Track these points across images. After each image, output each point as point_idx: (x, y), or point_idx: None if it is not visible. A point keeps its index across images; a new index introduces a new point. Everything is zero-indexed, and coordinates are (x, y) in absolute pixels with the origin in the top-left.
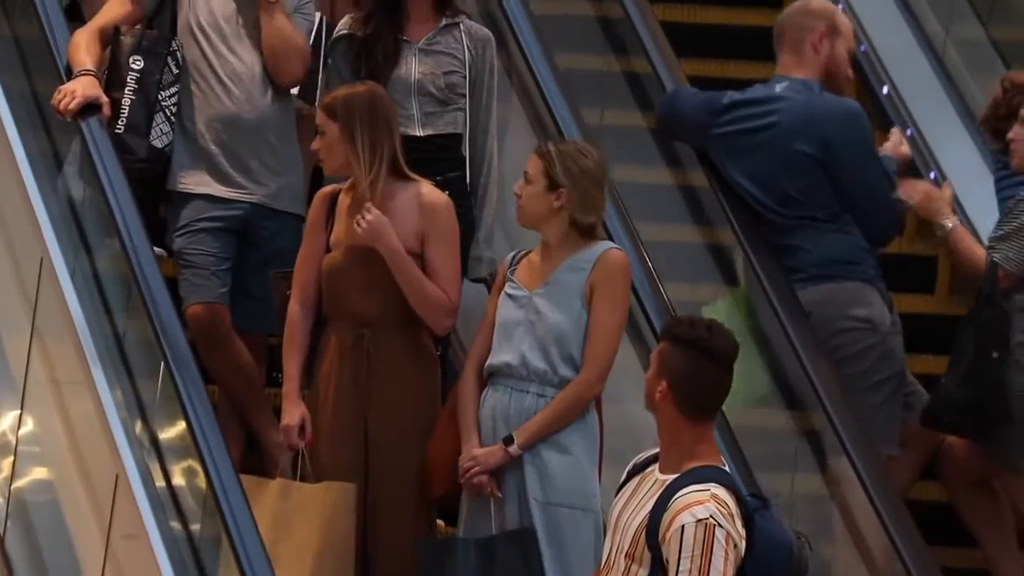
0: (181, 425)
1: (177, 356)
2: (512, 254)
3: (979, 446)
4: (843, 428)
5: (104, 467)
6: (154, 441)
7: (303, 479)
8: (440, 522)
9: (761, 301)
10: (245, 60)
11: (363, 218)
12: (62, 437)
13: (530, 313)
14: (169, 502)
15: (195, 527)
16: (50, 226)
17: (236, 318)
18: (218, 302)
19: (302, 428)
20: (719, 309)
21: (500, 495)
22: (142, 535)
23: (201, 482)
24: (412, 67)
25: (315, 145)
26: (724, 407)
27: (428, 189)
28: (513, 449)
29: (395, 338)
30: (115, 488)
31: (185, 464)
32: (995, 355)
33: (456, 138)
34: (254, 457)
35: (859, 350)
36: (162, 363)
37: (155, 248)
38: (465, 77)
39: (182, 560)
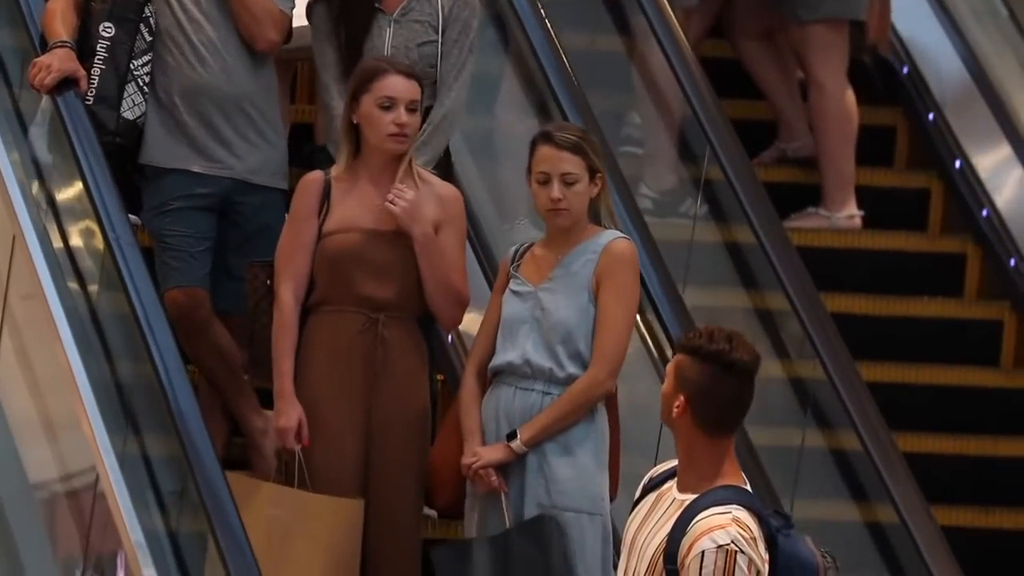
0: (78, 186)
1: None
2: (514, 248)
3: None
4: None
5: (1, 229)
6: (51, 202)
7: (300, 483)
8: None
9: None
10: (220, 27)
11: (400, 198)
12: None
13: (535, 309)
14: (67, 262)
15: (92, 288)
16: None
17: (217, 300)
18: (198, 286)
19: (298, 430)
20: None
21: (507, 489)
22: (39, 295)
23: (98, 243)
24: (386, 39)
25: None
26: None
27: (435, 179)
28: (516, 445)
29: (406, 326)
30: (12, 249)
31: (83, 225)
32: None
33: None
34: (237, 445)
35: None
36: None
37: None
38: (438, 43)
39: (80, 319)
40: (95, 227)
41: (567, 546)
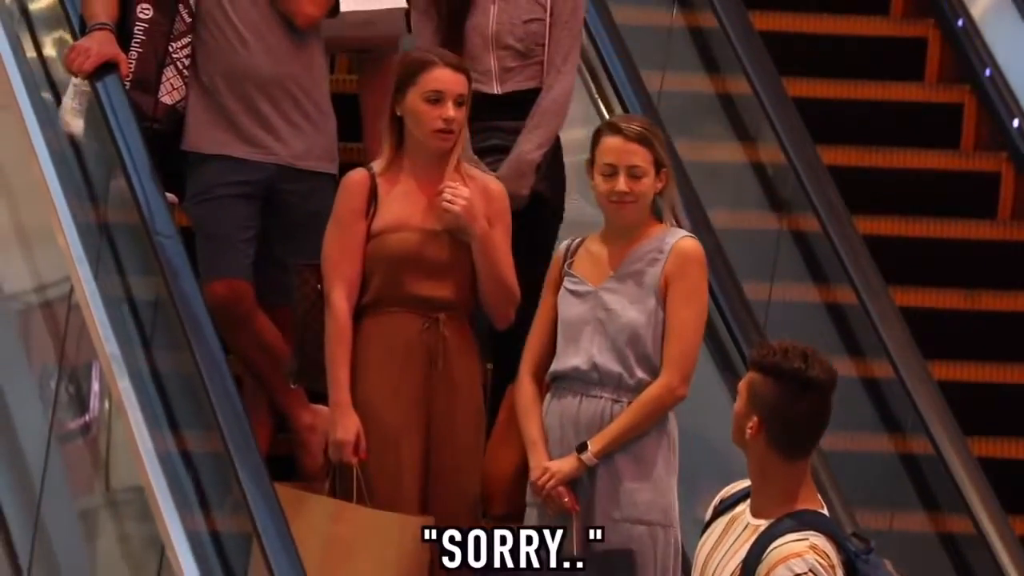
0: None
1: None
2: (566, 244)
3: None
4: None
5: None
6: (24, 12)
7: (358, 497)
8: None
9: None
10: (261, 7)
11: (458, 196)
12: None
13: (598, 310)
14: (41, 73)
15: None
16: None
17: (262, 291)
18: (240, 278)
19: (356, 443)
20: None
21: (579, 508)
22: (13, 106)
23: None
24: (491, 16)
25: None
26: None
27: (479, 173)
28: (587, 457)
29: (462, 325)
30: None
31: (56, 35)
32: None
33: (536, 93)
34: (284, 440)
35: None
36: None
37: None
38: (545, 22)
39: (55, 133)
40: (68, 37)
41: None
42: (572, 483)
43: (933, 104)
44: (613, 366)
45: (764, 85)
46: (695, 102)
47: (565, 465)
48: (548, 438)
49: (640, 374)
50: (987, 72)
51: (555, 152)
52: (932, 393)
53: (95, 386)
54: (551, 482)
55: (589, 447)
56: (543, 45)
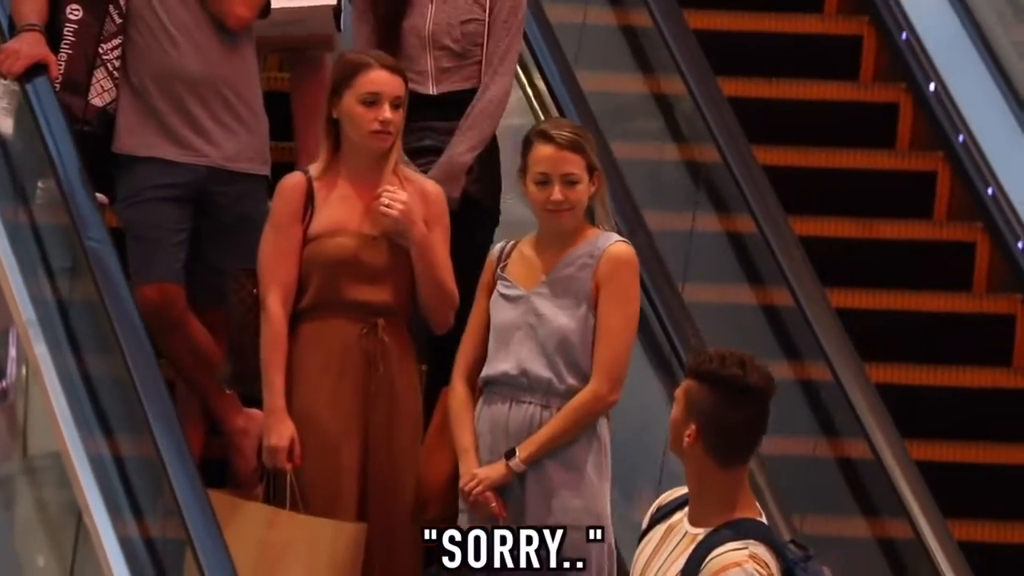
0: None
1: None
2: (499, 247)
3: None
4: None
5: None
6: None
7: (292, 504)
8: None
9: None
10: (192, 8)
11: (396, 200)
12: None
13: (529, 315)
14: None
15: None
16: None
17: (194, 294)
18: (171, 281)
19: (290, 449)
20: None
21: (507, 515)
22: None
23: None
24: (427, 16)
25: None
26: None
27: (417, 176)
28: (515, 463)
29: (401, 331)
30: None
31: None
32: None
33: (473, 93)
34: (216, 443)
35: None
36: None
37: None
38: (484, 22)
39: None
40: None
41: None
42: (503, 489)
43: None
44: (543, 372)
45: (699, 84)
46: (630, 102)
47: (493, 472)
48: (479, 444)
49: (570, 380)
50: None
51: (490, 153)
52: (871, 396)
53: (12, 352)
54: (478, 488)
55: (517, 453)
56: (481, 45)
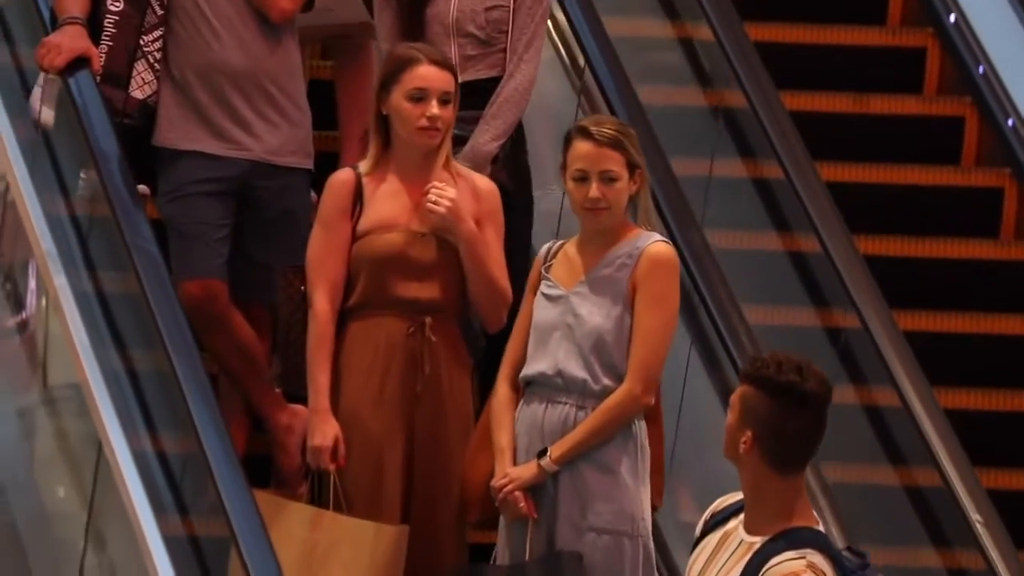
0: None
1: None
2: (547, 247)
3: None
4: None
5: None
6: None
7: (335, 505)
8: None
9: None
10: (235, 0)
11: (443, 197)
12: None
13: (567, 315)
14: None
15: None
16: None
17: (236, 288)
18: (214, 277)
19: (334, 449)
20: None
21: (536, 515)
22: None
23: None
24: (452, 3)
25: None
26: None
27: (469, 172)
28: (546, 463)
29: (451, 329)
30: None
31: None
32: None
33: (498, 82)
34: (260, 439)
35: None
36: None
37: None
38: (509, 9)
39: None
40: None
41: None
42: (536, 489)
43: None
44: (578, 372)
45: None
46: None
47: (525, 472)
48: (517, 444)
49: (606, 381)
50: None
51: (516, 142)
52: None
53: (31, 284)
54: (509, 487)
55: (549, 453)
56: (506, 32)
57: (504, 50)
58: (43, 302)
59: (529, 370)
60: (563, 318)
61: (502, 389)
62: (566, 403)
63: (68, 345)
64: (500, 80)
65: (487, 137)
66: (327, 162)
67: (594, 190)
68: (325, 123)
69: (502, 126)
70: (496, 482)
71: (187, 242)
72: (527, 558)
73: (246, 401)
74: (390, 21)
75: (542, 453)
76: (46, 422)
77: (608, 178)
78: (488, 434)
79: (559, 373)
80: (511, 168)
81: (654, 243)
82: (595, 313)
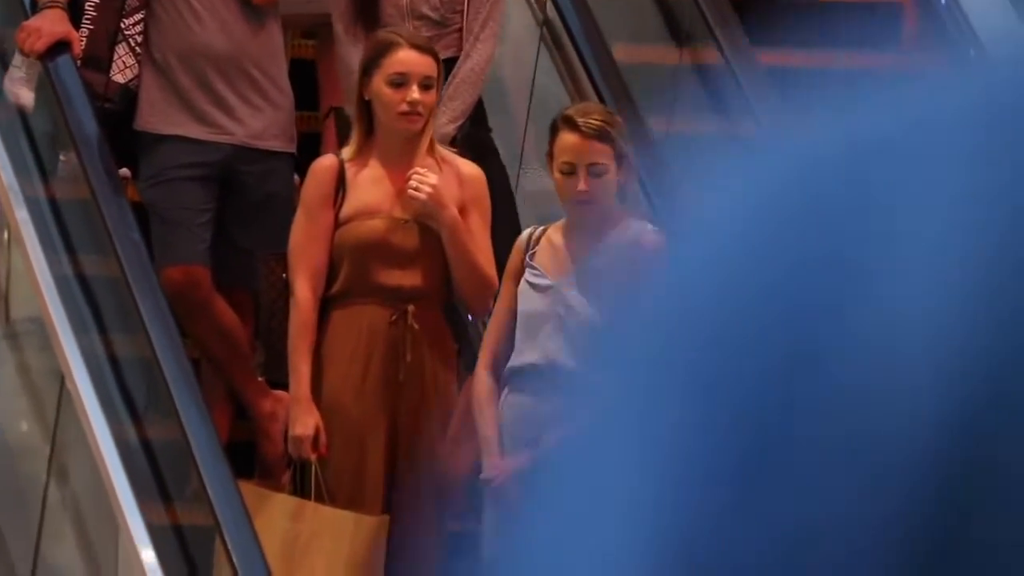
0: None
1: None
2: (527, 233)
3: None
4: None
5: None
6: None
7: (316, 495)
8: None
9: None
10: None
11: (425, 183)
12: None
13: (558, 306)
14: None
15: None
16: None
17: (220, 274)
18: (197, 263)
19: (315, 439)
20: None
21: None
22: None
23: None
24: None
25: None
26: None
27: (454, 157)
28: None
29: (434, 317)
30: None
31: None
32: None
33: (455, 62)
34: (243, 426)
35: None
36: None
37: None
38: None
39: None
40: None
41: None
42: None
43: None
44: (570, 364)
45: None
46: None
47: (516, 463)
48: (502, 434)
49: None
50: None
51: (475, 120)
52: None
53: None
54: (500, 478)
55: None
56: (461, 12)
57: (460, 30)
58: (4, 236)
59: (518, 361)
60: (554, 309)
61: (483, 377)
62: (559, 395)
63: (30, 279)
64: (456, 61)
65: (444, 119)
66: (309, 143)
67: (581, 183)
68: (307, 103)
69: (460, 107)
70: (486, 474)
71: (169, 227)
72: None
73: (229, 387)
74: (344, 4)
75: (535, 444)
76: (8, 356)
77: (596, 172)
78: (468, 423)
79: (551, 365)
80: (471, 148)
81: (647, 233)
82: (588, 303)
